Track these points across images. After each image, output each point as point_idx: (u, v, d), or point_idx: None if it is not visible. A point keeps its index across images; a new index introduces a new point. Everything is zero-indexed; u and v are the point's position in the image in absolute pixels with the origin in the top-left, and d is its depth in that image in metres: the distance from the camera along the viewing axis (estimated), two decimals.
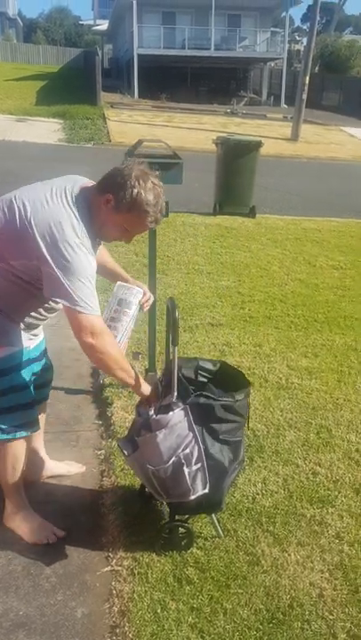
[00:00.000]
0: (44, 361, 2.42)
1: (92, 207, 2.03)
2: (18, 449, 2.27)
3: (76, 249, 1.93)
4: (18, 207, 1.98)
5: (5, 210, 2.01)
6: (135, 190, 2.00)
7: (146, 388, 2.26)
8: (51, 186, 2.04)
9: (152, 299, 2.51)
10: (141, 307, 2.41)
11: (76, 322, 2.00)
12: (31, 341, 2.26)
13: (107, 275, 2.50)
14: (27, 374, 2.24)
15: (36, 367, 2.34)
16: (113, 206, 2.02)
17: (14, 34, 52.33)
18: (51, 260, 1.92)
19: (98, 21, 47.37)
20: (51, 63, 38.61)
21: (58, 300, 2.00)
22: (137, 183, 2.00)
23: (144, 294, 2.41)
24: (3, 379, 2.15)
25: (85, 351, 2.05)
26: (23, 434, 2.26)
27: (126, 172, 2.03)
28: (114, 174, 2.04)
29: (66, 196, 2.00)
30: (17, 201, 2.00)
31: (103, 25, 41.89)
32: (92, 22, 51.63)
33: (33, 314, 2.18)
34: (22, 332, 2.19)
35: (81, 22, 62.37)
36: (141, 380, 2.25)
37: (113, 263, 2.55)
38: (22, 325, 2.18)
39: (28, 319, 2.18)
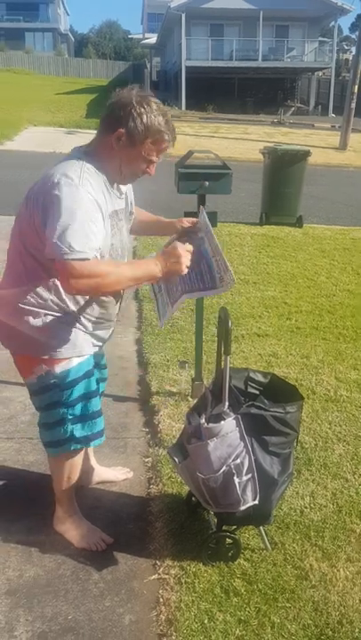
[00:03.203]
0: (104, 371, 2.44)
1: (102, 153, 1.97)
2: (76, 459, 2.31)
3: (73, 187, 1.85)
4: (32, 187, 1.99)
5: (25, 202, 2.03)
6: (144, 116, 1.91)
7: (158, 266, 1.99)
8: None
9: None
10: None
11: (58, 270, 1.88)
12: (96, 347, 2.24)
13: (152, 228, 2.44)
14: (94, 382, 2.24)
15: (99, 372, 2.36)
16: (126, 140, 1.93)
17: (66, 49, 53.74)
18: (46, 204, 1.86)
19: (147, 35, 48.13)
20: (100, 77, 39.48)
21: (47, 253, 1.86)
22: (142, 109, 1.91)
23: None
24: (74, 388, 2.16)
25: (79, 294, 2.00)
26: (96, 443, 2.30)
27: (125, 101, 1.94)
28: (113, 110, 1.95)
29: (71, 158, 1.97)
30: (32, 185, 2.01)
31: (152, 38, 42.54)
32: (140, 36, 52.50)
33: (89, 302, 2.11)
34: (90, 336, 2.17)
35: (130, 36, 63.54)
36: (145, 264, 2.01)
37: (151, 215, 2.45)
38: (91, 324, 2.14)
39: (91, 310, 2.12)
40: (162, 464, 2.87)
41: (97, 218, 1.91)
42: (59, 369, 2.12)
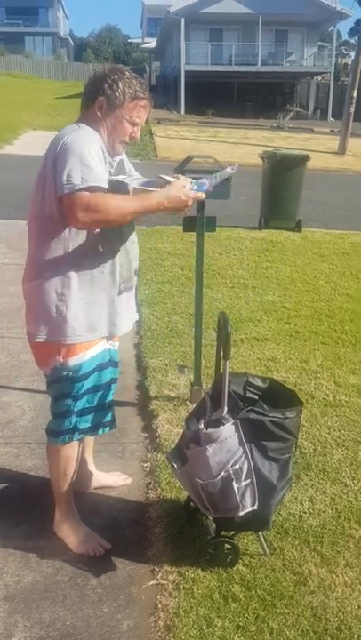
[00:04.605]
0: (116, 370, 2.46)
1: (89, 125, 2.10)
2: (70, 452, 2.32)
3: (77, 132, 2.03)
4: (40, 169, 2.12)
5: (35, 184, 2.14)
6: (120, 83, 2.08)
7: (162, 204, 2.06)
8: None
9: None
10: None
11: (66, 207, 2.00)
12: (115, 330, 2.27)
13: None
14: (106, 375, 2.30)
15: (113, 372, 2.39)
16: (107, 106, 2.09)
17: (65, 53, 53.82)
18: (53, 157, 2.01)
19: (146, 39, 48.25)
20: None
21: (57, 188, 2.00)
22: (116, 76, 2.09)
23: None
24: (85, 381, 2.22)
25: (86, 227, 2.06)
26: (98, 433, 2.38)
27: (98, 75, 2.12)
28: (90, 86, 2.13)
29: (65, 127, 2.12)
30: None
31: (151, 43, 42.67)
32: (140, 40, 52.63)
33: (97, 254, 2.14)
34: (109, 314, 2.20)
35: (130, 40, 63.69)
36: (149, 196, 2.08)
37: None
38: (116, 289, 2.18)
39: (108, 270, 2.16)
40: (160, 469, 2.87)
41: (97, 154, 2.04)
42: (72, 362, 2.18)
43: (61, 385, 2.23)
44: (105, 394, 2.32)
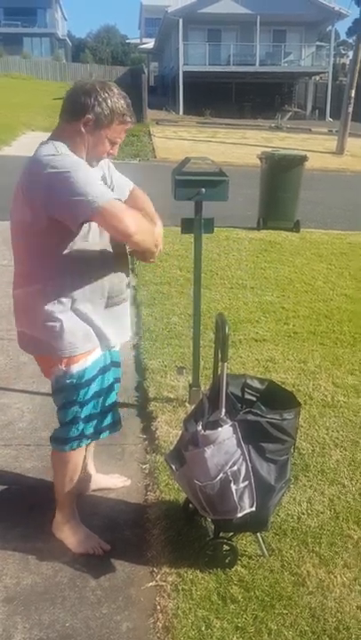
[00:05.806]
0: (118, 370, 2.46)
1: (69, 139, 2.06)
2: (77, 458, 2.34)
3: (58, 157, 1.96)
4: (17, 185, 2.09)
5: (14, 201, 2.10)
6: (109, 101, 2.04)
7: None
8: None
9: None
10: None
11: (102, 222, 1.97)
12: (111, 338, 2.27)
13: None
14: (109, 377, 2.31)
15: (115, 372, 2.40)
16: (93, 125, 2.04)
17: (63, 54, 53.76)
18: (49, 185, 1.93)
19: (144, 40, 48.25)
20: None
21: (77, 216, 1.93)
22: (106, 95, 2.04)
23: None
24: (89, 387, 2.22)
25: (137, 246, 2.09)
26: (105, 435, 2.36)
27: (88, 88, 2.05)
28: (77, 98, 2.05)
29: (41, 145, 2.07)
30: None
31: (149, 43, 42.65)
32: (138, 41, 52.61)
33: (93, 273, 2.14)
34: (103, 325, 2.20)
35: (128, 41, 63.60)
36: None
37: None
38: (104, 302, 2.18)
39: (97, 285, 2.15)
40: (159, 471, 2.87)
41: (92, 170, 2.03)
42: (75, 369, 2.18)
43: (67, 393, 2.22)
44: (109, 396, 2.32)
